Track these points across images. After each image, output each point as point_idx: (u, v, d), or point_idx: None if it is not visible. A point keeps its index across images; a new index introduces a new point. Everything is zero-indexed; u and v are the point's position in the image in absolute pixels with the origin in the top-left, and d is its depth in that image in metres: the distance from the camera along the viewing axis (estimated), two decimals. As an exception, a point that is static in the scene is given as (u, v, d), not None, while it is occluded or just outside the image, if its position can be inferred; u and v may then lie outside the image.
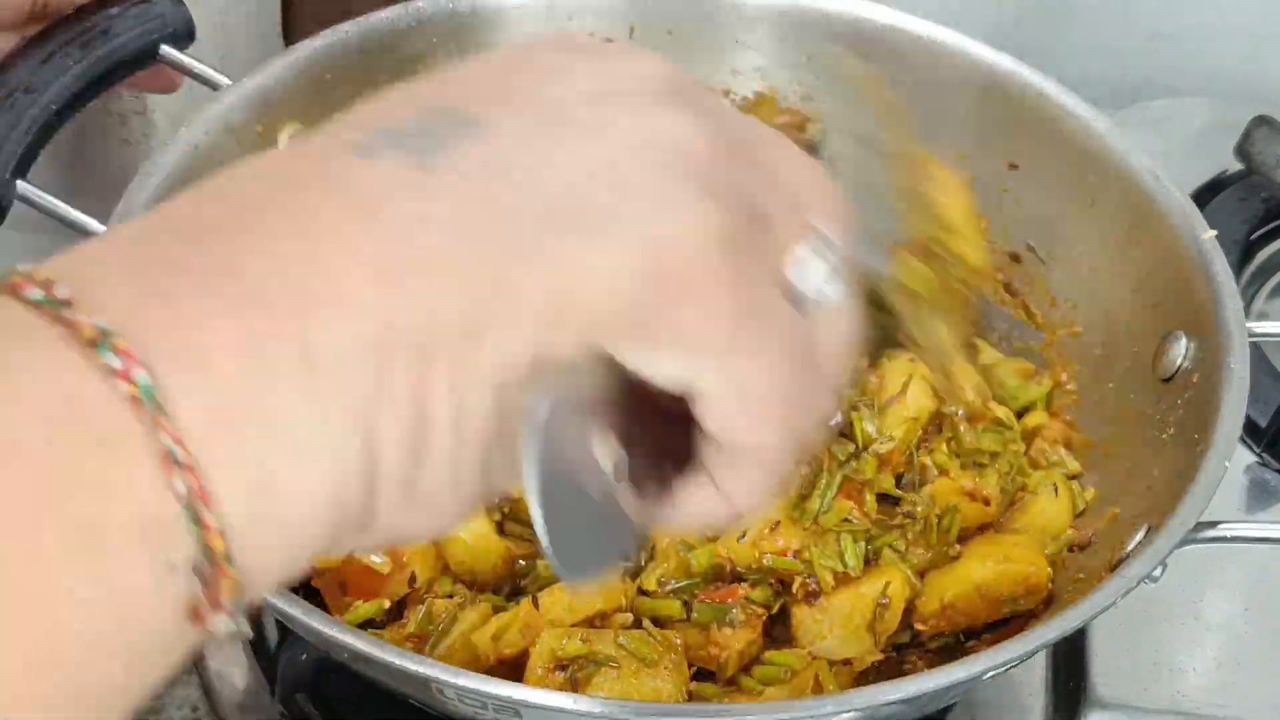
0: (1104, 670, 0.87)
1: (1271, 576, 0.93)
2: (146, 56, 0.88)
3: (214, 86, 0.88)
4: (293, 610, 0.69)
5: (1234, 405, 0.78)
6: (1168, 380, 0.84)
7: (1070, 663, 0.88)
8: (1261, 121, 1.13)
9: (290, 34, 1.20)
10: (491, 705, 0.66)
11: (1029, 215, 0.95)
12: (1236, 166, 1.14)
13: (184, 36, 0.88)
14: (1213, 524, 0.75)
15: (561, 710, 0.67)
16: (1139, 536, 0.76)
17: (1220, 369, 0.79)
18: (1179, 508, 0.73)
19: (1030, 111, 0.94)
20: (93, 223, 0.81)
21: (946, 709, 0.86)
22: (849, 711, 0.69)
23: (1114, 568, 0.75)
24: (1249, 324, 0.81)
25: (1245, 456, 0.98)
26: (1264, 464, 0.98)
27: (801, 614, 0.80)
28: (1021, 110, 0.95)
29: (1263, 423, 0.98)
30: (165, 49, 0.88)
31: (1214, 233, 0.86)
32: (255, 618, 0.87)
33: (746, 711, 0.70)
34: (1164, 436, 0.82)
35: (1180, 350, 0.84)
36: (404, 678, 0.68)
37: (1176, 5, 1.26)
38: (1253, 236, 1.11)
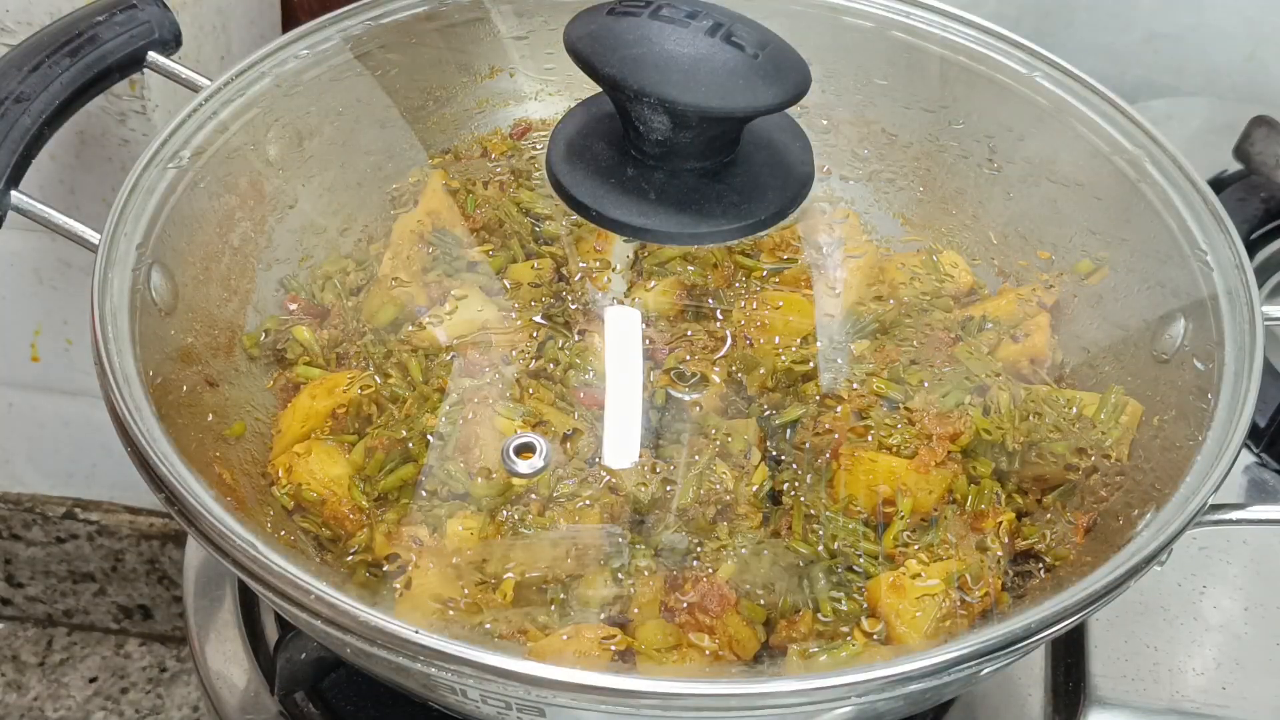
0: (1104, 670, 0.86)
1: (1271, 577, 0.92)
2: (134, 63, 0.88)
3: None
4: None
5: (1236, 384, 0.77)
6: (1166, 362, 0.83)
7: (1069, 662, 0.88)
8: (1261, 121, 1.13)
9: (290, 34, 1.20)
10: (515, 705, 0.65)
11: (1016, 199, 0.95)
12: (1236, 166, 1.14)
13: (171, 42, 0.88)
14: (1220, 507, 0.74)
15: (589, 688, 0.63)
16: (1145, 521, 0.75)
17: (1221, 349, 0.78)
18: (1185, 488, 0.72)
19: (1015, 95, 0.93)
20: (89, 231, 0.80)
21: (945, 708, 0.86)
22: (845, 703, 0.67)
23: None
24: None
25: (1244, 457, 0.98)
26: (1263, 464, 0.98)
27: None
28: (1005, 92, 0.93)
29: (1261, 422, 0.97)
30: (153, 55, 0.88)
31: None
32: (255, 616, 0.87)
33: (776, 687, 0.65)
34: (1165, 419, 0.81)
35: (1179, 331, 0.82)
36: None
37: (1176, 5, 1.26)
38: (1252, 236, 1.11)
